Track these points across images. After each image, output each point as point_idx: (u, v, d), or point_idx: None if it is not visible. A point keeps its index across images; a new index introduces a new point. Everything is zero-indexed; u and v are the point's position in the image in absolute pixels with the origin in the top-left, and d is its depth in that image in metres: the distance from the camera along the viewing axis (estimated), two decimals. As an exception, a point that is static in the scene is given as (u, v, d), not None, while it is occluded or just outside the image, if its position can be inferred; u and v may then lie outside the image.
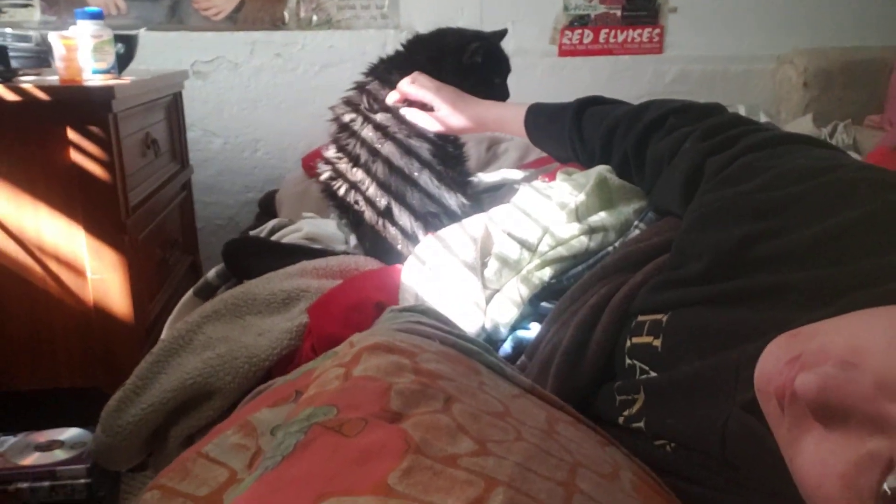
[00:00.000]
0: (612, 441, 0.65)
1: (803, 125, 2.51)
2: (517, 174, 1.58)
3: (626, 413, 0.75)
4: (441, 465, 0.46)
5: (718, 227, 0.75)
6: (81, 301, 1.64)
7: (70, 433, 1.70)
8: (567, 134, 1.10)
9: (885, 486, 0.43)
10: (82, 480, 1.57)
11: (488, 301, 0.97)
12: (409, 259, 1.02)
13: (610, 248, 0.94)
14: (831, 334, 0.51)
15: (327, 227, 1.34)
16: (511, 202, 1.01)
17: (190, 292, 1.26)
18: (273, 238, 1.34)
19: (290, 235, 1.33)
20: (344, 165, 1.20)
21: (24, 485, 1.55)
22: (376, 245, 1.16)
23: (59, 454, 1.62)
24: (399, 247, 1.13)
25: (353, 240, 1.23)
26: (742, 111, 2.32)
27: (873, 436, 0.45)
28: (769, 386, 0.52)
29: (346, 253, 1.21)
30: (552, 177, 1.15)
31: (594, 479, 0.52)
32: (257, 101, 2.66)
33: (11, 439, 1.66)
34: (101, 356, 1.68)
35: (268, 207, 2.28)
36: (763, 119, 2.25)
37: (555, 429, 0.59)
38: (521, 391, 0.64)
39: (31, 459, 1.60)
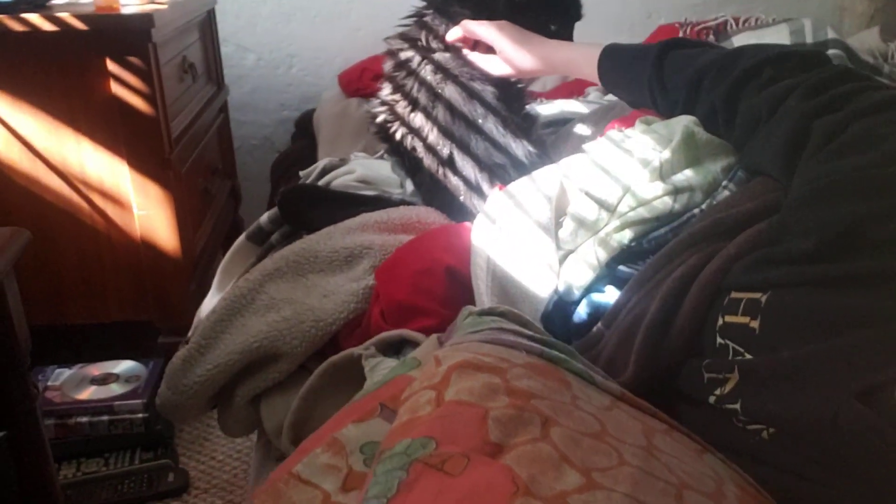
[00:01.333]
0: (708, 447, 0.62)
1: (868, 39, 2.36)
2: (576, 106, 1.50)
3: (717, 392, 0.72)
4: (556, 500, 0.43)
5: (830, 203, 0.69)
6: (129, 236, 1.62)
7: (124, 366, 1.73)
8: (647, 80, 1.01)
9: None
10: (140, 415, 1.60)
11: (561, 262, 0.92)
12: (477, 217, 0.97)
13: (696, 211, 0.88)
14: None
15: (381, 170, 1.28)
16: (588, 157, 0.95)
17: (242, 237, 1.23)
18: (324, 180, 1.29)
19: (342, 178, 1.28)
20: (402, 108, 1.13)
21: (84, 419, 1.58)
22: (436, 194, 1.11)
23: (115, 388, 1.65)
24: (462, 198, 1.07)
25: (409, 185, 1.18)
26: (808, 27, 2.17)
27: None
28: None
29: (403, 201, 1.16)
30: (626, 122, 1.07)
31: (702, 502, 0.49)
32: (291, 15, 2.55)
33: (67, 372, 1.69)
34: (151, 290, 1.67)
35: (305, 128, 2.22)
36: (830, 35, 2.10)
37: (653, 443, 0.55)
38: (612, 399, 0.60)
39: (88, 393, 1.63)
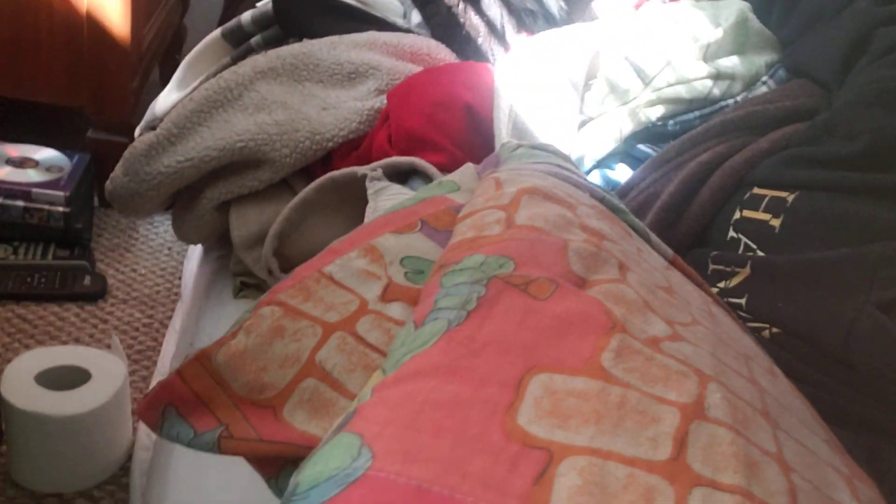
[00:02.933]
0: (745, 327, 0.60)
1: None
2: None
3: (720, 285, 0.70)
4: (649, 349, 0.40)
5: (888, 110, 0.66)
6: (73, 8, 1.44)
7: (45, 153, 1.57)
8: None
9: None
10: (60, 209, 1.47)
11: (580, 127, 0.87)
12: (502, 58, 0.89)
13: (731, 101, 0.84)
14: None
15: (384, -7, 1.17)
16: (635, 20, 0.88)
17: (217, 32, 1.10)
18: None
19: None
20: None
21: (-5, 198, 1.43)
22: (449, 32, 1.02)
23: (33, 174, 1.51)
24: (480, 41, 0.99)
25: (415, 16, 1.08)
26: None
27: None
28: None
29: (410, 31, 1.06)
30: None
31: (765, 376, 0.47)
32: None
33: (-21, 145, 1.52)
34: (88, 75, 1.51)
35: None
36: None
37: (712, 311, 0.53)
38: (667, 262, 0.57)
39: (2, 173, 1.48)
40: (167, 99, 1.08)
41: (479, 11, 0.99)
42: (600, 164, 0.86)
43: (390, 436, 0.33)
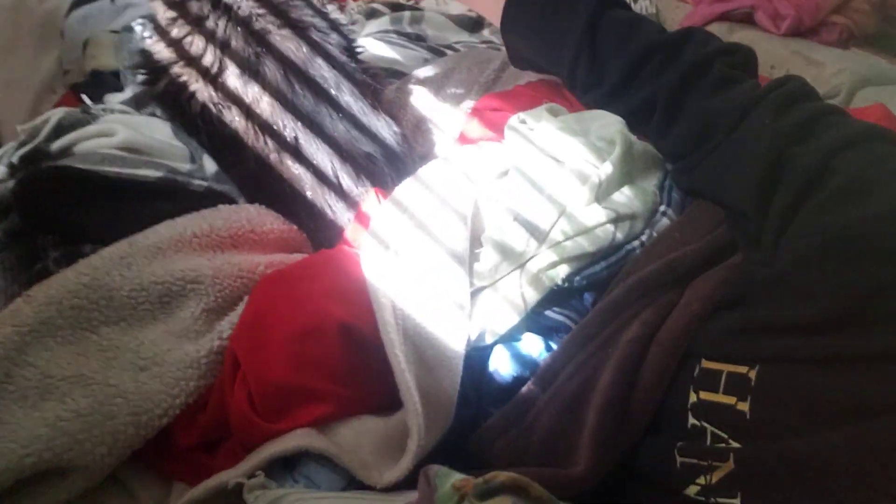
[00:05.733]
0: None
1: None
2: (381, 49, 1.22)
3: (700, 482, 0.60)
4: None
5: (844, 264, 0.58)
6: None
7: None
8: (576, 40, 0.73)
9: None
10: None
11: (472, 296, 0.71)
12: (365, 240, 0.70)
13: (636, 243, 0.73)
14: None
15: (153, 131, 0.90)
16: (514, 167, 0.72)
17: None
18: (62, 143, 0.87)
19: (93, 141, 0.87)
20: (199, 54, 0.78)
21: None
22: (261, 186, 0.79)
23: None
24: (308, 194, 0.78)
25: (210, 164, 0.84)
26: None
27: None
28: None
29: (211, 189, 0.82)
30: (508, 101, 0.86)
31: None
32: None
33: None
34: None
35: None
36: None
37: None
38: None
39: None
40: None
41: (301, 159, 0.78)
42: (504, 338, 0.71)
43: None
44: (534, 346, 0.71)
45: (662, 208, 0.74)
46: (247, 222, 0.75)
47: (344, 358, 0.62)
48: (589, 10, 0.73)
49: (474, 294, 0.71)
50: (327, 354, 0.61)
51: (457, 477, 0.45)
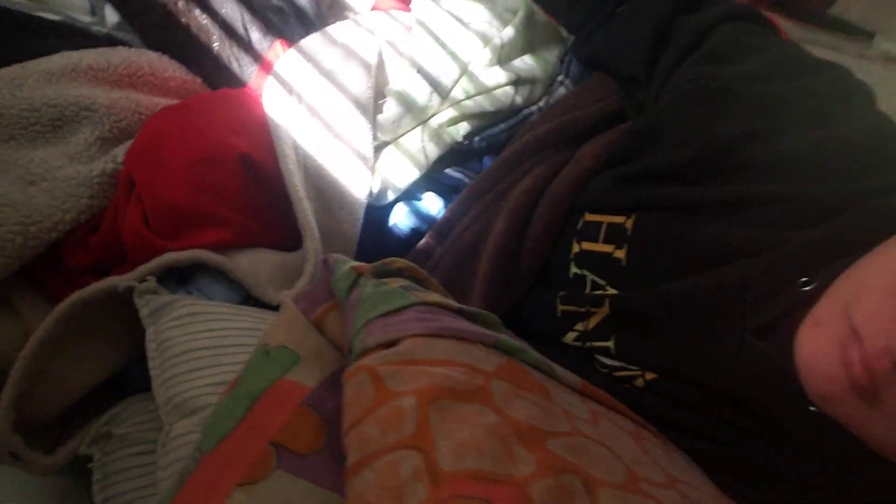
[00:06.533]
0: (673, 446, 0.53)
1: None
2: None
3: (578, 328, 0.63)
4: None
5: (710, 112, 0.63)
6: None
7: None
8: None
9: None
10: None
11: (376, 152, 0.72)
12: (268, 82, 0.70)
13: (535, 108, 0.75)
14: (859, 289, 0.47)
15: (51, -21, 0.87)
16: (416, 20, 0.73)
17: None
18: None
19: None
20: None
21: None
22: (167, 36, 0.77)
23: None
24: (216, 48, 0.77)
25: (111, 15, 0.82)
26: None
27: None
28: (835, 385, 0.46)
29: (110, 36, 0.80)
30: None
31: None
32: None
33: None
34: None
35: None
36: None
37: (646, 448, 0.45)
38: (581, 397, 0.46)
39: None
40: None
41: (208, 10, 0.77)
42: (406, 195, 0.73)
43: None
44: (433, 204, 0.73)
45: (560, 78, 0.77)
46: (147, 66, 0.73)
47: (243, 188, 0.62)
48: None
49: (377, 149, 0.72)
50: (226, 182, 0.61)
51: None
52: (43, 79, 0.66)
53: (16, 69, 0.65)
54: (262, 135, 0.65)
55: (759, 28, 0.70)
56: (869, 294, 0.46)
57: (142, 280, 0.54)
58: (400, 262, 0.47)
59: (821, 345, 0.47)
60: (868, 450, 0.48)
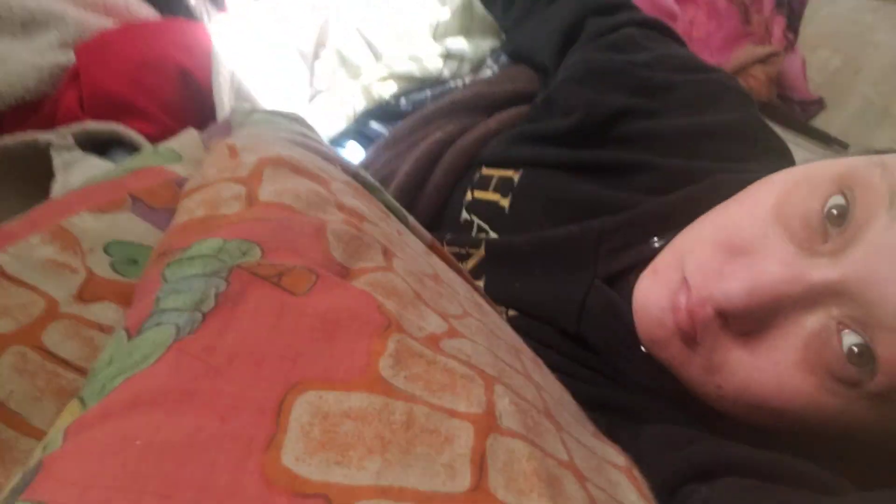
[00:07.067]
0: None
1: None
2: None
3: None
4: (430, 350, 0.34)
5: (598, 87, 0.70)
6: None
7: None
8: None
9: (847, 346, 0.42)
10: None
11: (310, 100, 0.79)
12: (219, 20, 0.78)
13: (460, 82, 0.83)
14: (694, 242, 0.51)
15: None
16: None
17: None
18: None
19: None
20: None
21: None
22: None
23: None
24: (192, 1, 0.86)
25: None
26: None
27: (808, 314, 0.43)
28: (662, 329, 0.50)
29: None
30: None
31: (536, 370, 0.45)
32: None
33: None
34: None
35: None
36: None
37: (476, 300, 0.49)
38: (426, 247, 0.52)
39: None
40: None
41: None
42: (331, 142, 0.80)
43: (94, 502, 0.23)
44: (355, 153, 0.80)
45: (489, 62, 0.84)
46: (123, 1, 0.82)
47: (175, 93, 0.69)
48: None
49: (311, 98, 0.80)
50: (161, 86, 0.68)
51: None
52: (22, -13, 0.74)
53: (1, -24, 0.74)
54: (205, 58, 0.72)
55: (662, 36, 0.77)
56: (701, 247, 0.49)
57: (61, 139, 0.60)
58: (294, 114, 0.54)
59: (654, 291, 0.51)
60: (685, 389, 0.52)
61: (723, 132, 0.65)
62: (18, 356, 0.34)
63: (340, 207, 0.41)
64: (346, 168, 0.49)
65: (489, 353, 0.38)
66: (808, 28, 1.87)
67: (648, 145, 0.65)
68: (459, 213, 0.70)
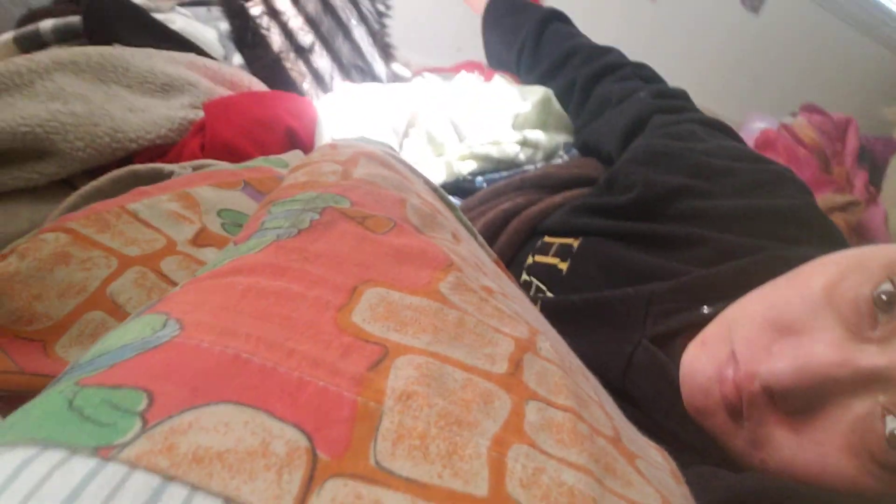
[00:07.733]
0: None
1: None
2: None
3: None
4: (484, 293, 0.39)
5: (658, 168, 0.75)
6: None
7: None
8: (523, 36, 1.04)
9: (890, 431, 0.42)
10: None
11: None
12: (325, 97, 0.90)
13: (533, 167, 0.90)
14: (743, 317, 0.52)
15: (206, 33, 1.14)
16: (453, 86, 0.93)
17: (10, 34, 1.01)
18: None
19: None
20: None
21: None
22: (272, 75, 1.01)
23: None
24: (305, 87, 0.99)
25: (237, 58, 1.06)
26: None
27: (855, 398, 0.44)
28: (708, 399, 0.51)
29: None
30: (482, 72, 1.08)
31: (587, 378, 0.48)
32: None
33: None
34: None
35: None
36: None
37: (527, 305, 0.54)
38: (491, 260, 0.57)
39: None
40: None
41: (308, 62, 1.00)
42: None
43: (205, 312, 0.29)
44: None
45: (561, 153, 0.92)
46: (247, 81, 0.95)
47: (283, 150, 0.79)
48: (538, 16, 1.02)
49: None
50: (271, 141, 0.78)
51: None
52: (168, 60, 0.88)
53: (151, 50, 0.88)
54: (311, 124, 0.83)
55: (724, 134, 0.84)
56: (751, 322, 0.50)
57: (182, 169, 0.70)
58: (388, 144, 0.62)
59: (702, 361, 0.52)
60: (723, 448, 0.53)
61: (778, 215, 0.67)
62: (140, 273, 0.41)
63: (419, 196, 0.48)
64: (427, 183, 0.56)
65: (536, 320, 0.42)
66: (891, 184, 1.89)
67: (700, 222, 0.68)
68: (520, 275, 0.75)
